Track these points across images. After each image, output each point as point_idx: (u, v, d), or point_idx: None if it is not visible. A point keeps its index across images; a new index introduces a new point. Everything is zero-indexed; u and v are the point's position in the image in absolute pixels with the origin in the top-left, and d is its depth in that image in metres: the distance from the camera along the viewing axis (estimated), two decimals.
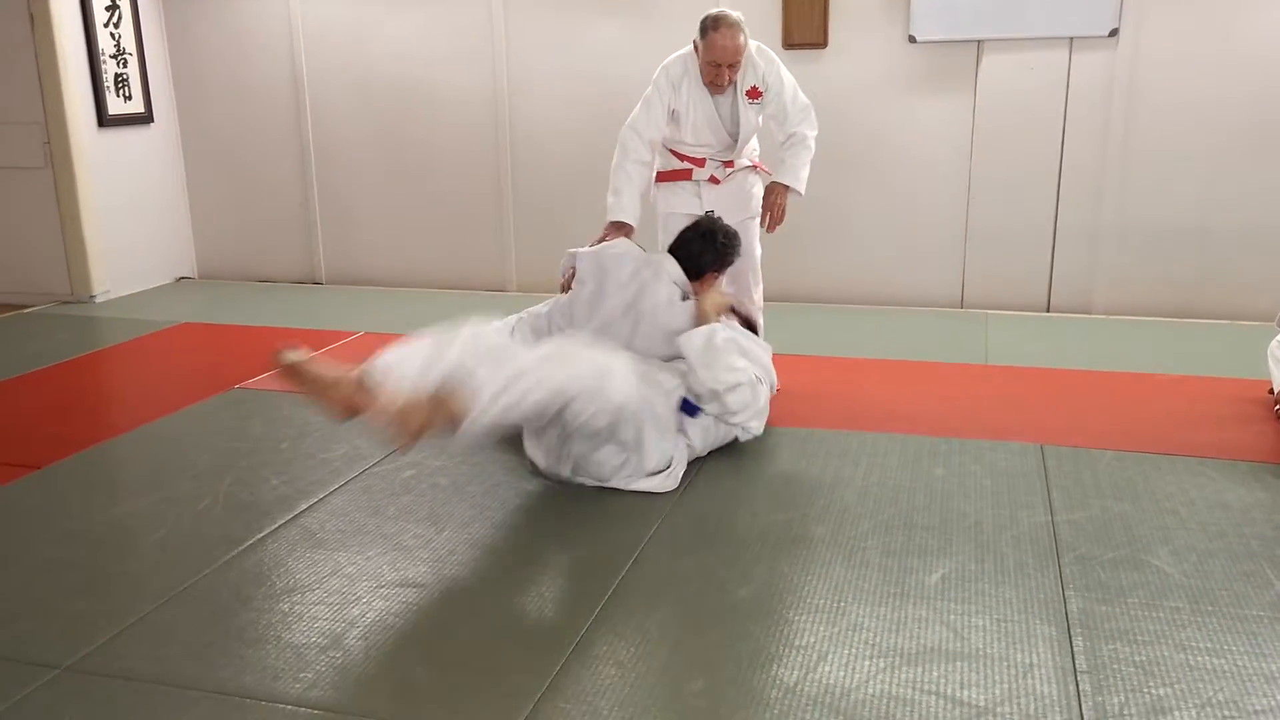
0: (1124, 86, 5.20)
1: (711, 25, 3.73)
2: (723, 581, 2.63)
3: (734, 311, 3.62)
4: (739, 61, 3.79)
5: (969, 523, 2.95)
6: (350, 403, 2.69)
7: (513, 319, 3.65)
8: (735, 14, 3.77)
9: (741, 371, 3.31)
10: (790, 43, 5.47)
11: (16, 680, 2.25)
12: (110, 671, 2.29)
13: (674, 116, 3.95)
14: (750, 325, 3.67)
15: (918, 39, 5.38)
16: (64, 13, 5.80)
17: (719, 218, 3.76)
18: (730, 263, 3.68)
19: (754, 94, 3.89)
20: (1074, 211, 5.41)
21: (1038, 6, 5.17)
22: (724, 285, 4.10)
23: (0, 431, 3.91)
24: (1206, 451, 3.44)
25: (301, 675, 2.26)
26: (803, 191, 3.93)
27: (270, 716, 2.13)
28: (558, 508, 3.09)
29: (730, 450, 3.53)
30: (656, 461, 3.17)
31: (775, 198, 3.91)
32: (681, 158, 4.04)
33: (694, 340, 3.30)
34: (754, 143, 4.12)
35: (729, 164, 4.02)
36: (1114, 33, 5.14)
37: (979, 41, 5.33)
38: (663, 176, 4.07)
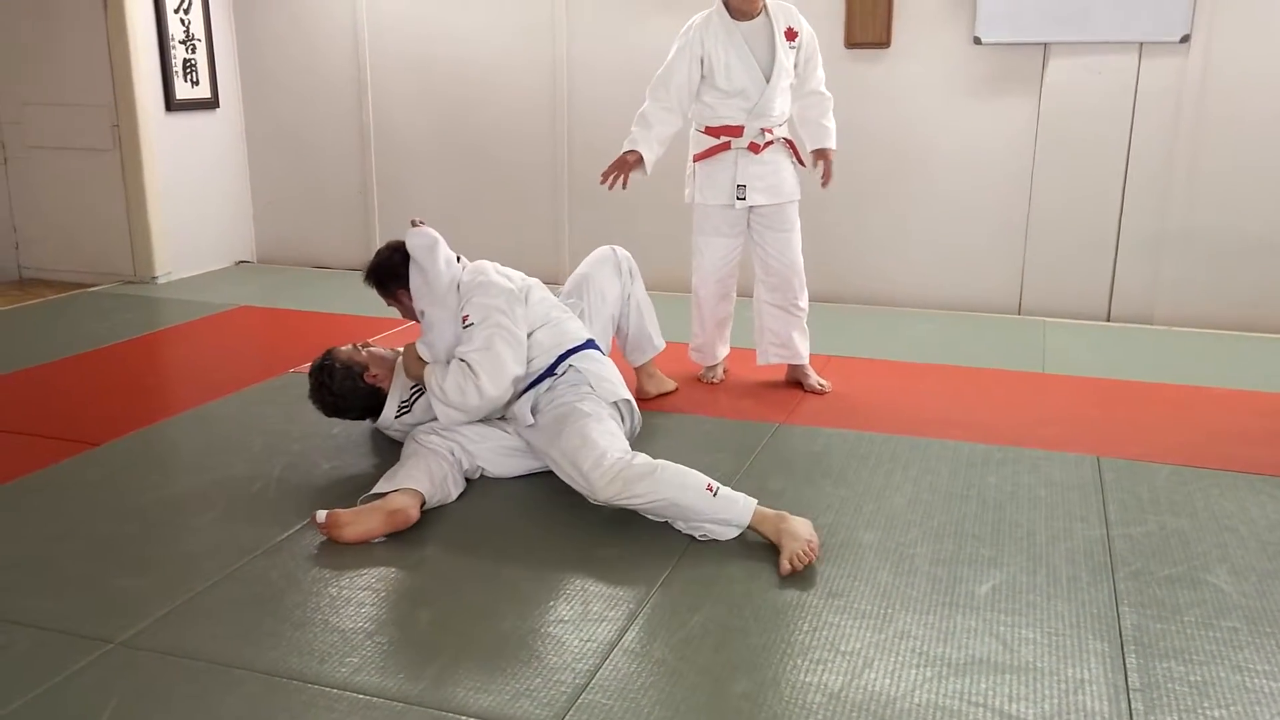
0: (1194, 94, 5.09)
1: None
2: (768, 583, 2.61)
3: (395, 296, 3.47)
4: None
5: (1021, 533, 2.90)
6: (392, 523, 2.86)
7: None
8: None
9: (463, 378, 3.07)
10: (853, 42, 5.42)
11: (71, 653, 2.30)
12: (161, 648, 2.32)
13: (704, 67, 3.85)
14: None
15: (983, 40, 5.30)
16: None
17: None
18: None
19: (790, 35, 3.87)
20: (1138, 220, 5.31)
21: (1107, 10, 5.07)
22: (762, 295, 4.13)
23: (60, 409, 3.99)
24: (1268, 469, 3.35)
25: (348, 659, 2.28)
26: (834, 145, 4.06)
27: (316, 699, 2.15)
28: (598, 507, 3.09)
29: (779, 452, 3.50)
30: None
31: (828, 156, 4.04)
32: (717, 132, 3.92)
33: (443, 415, 3.14)
34: (784, 110, 3.97)
35: (768, 129, 3.91)
36: (1186, 39, 5.03)
37: (1045, 44, 5.24)
38: (700, 157, 3.98)
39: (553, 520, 2.99)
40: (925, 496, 3.15)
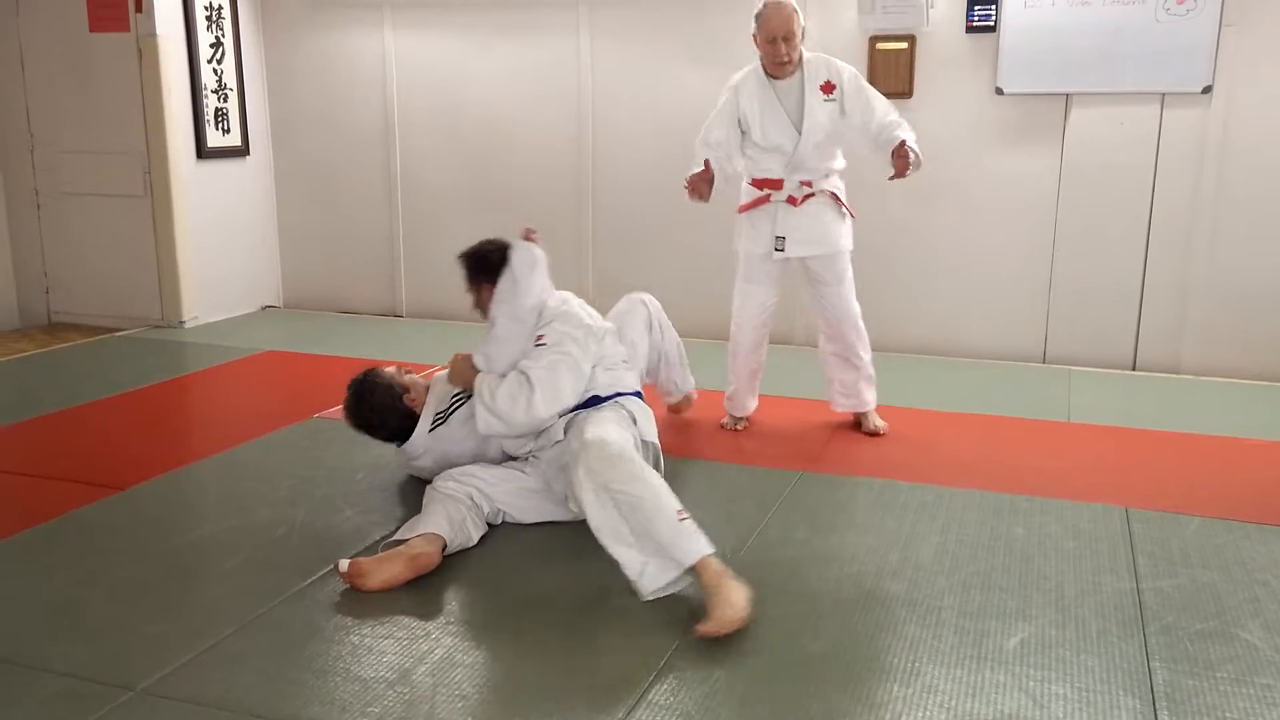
0: (1216, 144, 5.09)
1: (761, 8, 3.87)
2: (793, 635, 2.59)
3: (479, 287, 3.50)
4: (793, 32, 3.83)
5: (1049, 586, 2.86)
6: (415, 568, 2.87)
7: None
8: None
9: (517, 390, 3.13)
10: None
11: (93, 700, 2.30)
12: (182, 696, 2.32)
13: (743, 124, 3.98)
14: None
15: (1005, 91, 5.33)
16: (170, 48, 6.02)
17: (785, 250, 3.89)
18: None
19: (828, 88, 3.90)
20: (1163, 268, 5.29)
21: (1129, 61, 5.09)
22: (824, 345, 4.19)
23: (87, 452, 4.02)
24: None
25: (369, 709, 2.27)
26: (919, 153, 3.84)
27: None
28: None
29: (804, 501, 3.48)
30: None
31: (905, 152, 3.81)
32: (760, 184, 4.03)
33: (482, 421, 3.18)
34: (837, 166, 4.04)
35: (807, 183, 3.98)
36: (1208, 89, 5.04)
37: (1067, 95, 5.26)
38: (744, 208, 4.09)
39: (573, 568, 2.97)
40: (952, 547, 3.12)
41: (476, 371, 3.27)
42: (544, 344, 3.22)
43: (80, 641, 2.55)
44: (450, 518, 3.03)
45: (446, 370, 3.44)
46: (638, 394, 3.40)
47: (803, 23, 3.90)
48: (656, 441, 3.32)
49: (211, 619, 2.66)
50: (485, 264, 3.45)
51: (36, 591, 2.82)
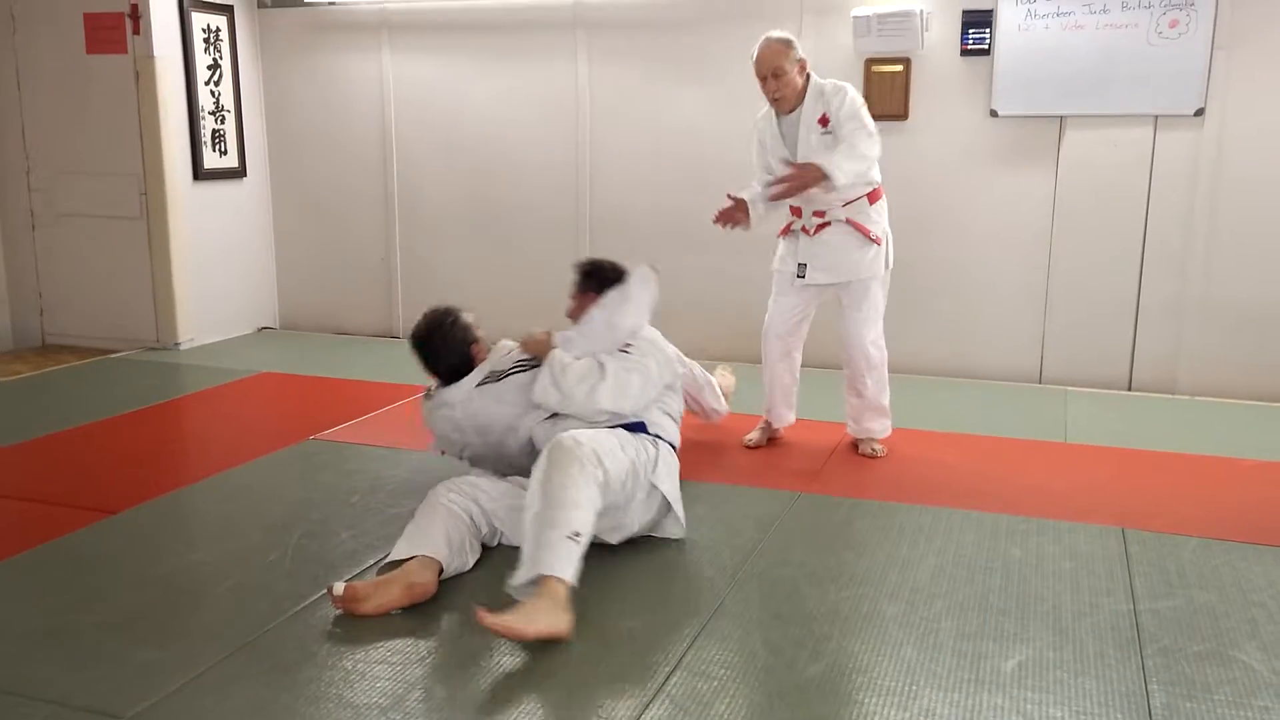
0: (1209, 165, 5.11)
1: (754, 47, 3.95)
2: (791, 658, 2.57)
3: (585, 293, 3.68)
4: (782, 68, 3.88)
5: (1047, 607, 2.85)
6: (411, 596, 2.85)
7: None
8: (781, 33, 3.94)
9: (598, 380, 3.23)
10: (871, 114, 5.42)
11: None
12: None
13: (761, 157, 4.13)
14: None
15: (999, 113, 5.35)
16: (167, 70, 6.04)
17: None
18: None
19: (824, 121, 3.94)
20: (1157, 289, 5.30)
21: (1122, 84, 5.12)
22: (845, 370, 4.25)
23: (80, 476, 4.00)
24: None
25: None
26: (836, 181, 3.77)
27: None
28: (621, 576, 3.06)
29: (801, 523, 3.47)
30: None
31: (802, 169, 3.82)
32: (791, 211, 4.13)
33: (541, 389, 3.26)
34: (857, 194, 4.00)
35: (819, 214, 4.03)
36: (1200, 112, 5.06)
37: (1061, 117, 5.28)
38: (780, 234, 4.24)
39: (572, 592, 2.95)
40: (949, 568, 3.10)
41: (551, 347, 3.34)
42: (628, 351, 3.36)
43: (69, 668, 2.53)
44: (450, 539, 3.01)
45: (513, 342, 3.50)
46: (673, 446, 3.42)
47: (798, 55, 3.91)
48: (667, 491, 3.26)
49: (202, 645, 2.64)
50: (599, 275, 3.65)
51: (25, 617, 2.80)
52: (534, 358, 3.37)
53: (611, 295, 3.48)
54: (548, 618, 2.61)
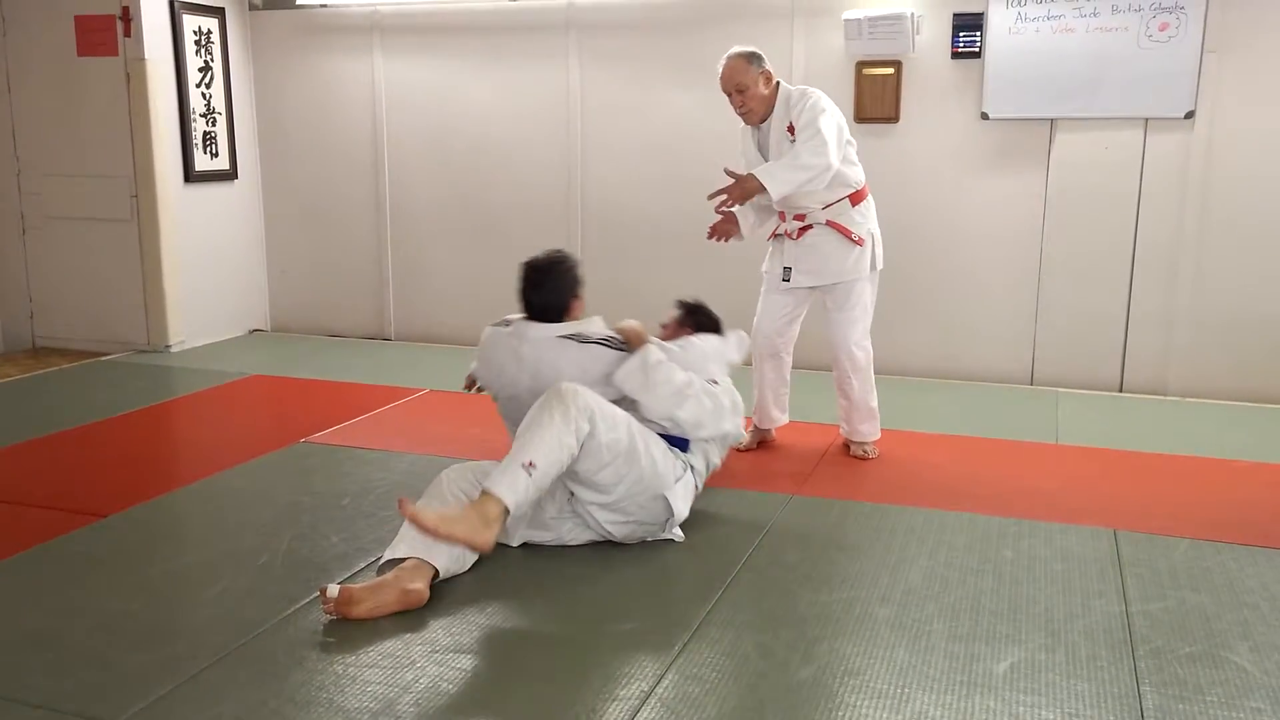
0: (1200, 168, 5.12)
1: None
2: (784, 661, 2.57)
3: (682, 325, 3.79)
4: (744, 84, 3.90)
5: (1039, 609, 2.85)
6: (405, 603, 2.85)
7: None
8: (744, 48, 3.95)
9: (684, 385, 3.30)
10: (862, 117, 5.48)
11: None
12: None
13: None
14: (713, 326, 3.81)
15: (990, 116, 5.36)
16: (158, 73, 6.02)
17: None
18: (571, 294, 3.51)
19: (791, 130, 3.94)
20: (1148, 291, 5.31)
21: (1113, 87, 5.13)
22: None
23: (69, 479, 3.98)
24: None
25: None
26: (772, 192, 3.77)
27: None
28: (613, 579, 3.06)
29: (793, 524, 3.47)
30: (665, 507, 3.24)
31: (740, 181, 3.82)
32: (778, 214, 4.15)
33: (627, 371, 3.29)
34: (837, 196, 4.00)
35: (799, 218, 4.06)
36: (1190, 115, 5.07)
37: (1052, 120, 5.29)
38: (769, 237, 4.25)
39: (564, 594, 2.95)
40: (941, 570, 3.10)
41: (646, 341, 3.41)
42: (714, 383, 3.46)
43: (57, 673, 2.51)
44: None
45: (602, 320, 3.50)
46: (698, 482, 3.45)
47: (761, 68, 3.90)
48: (679, 511, 3.28)
49: (192, 649, 2.62)
50: (700, 316, 3.82)
51: (13, 621, 2.78)
52: (625, 342, 3.39)
53: (713, 339, 3.68)
54: (468, 526, 2.77)
